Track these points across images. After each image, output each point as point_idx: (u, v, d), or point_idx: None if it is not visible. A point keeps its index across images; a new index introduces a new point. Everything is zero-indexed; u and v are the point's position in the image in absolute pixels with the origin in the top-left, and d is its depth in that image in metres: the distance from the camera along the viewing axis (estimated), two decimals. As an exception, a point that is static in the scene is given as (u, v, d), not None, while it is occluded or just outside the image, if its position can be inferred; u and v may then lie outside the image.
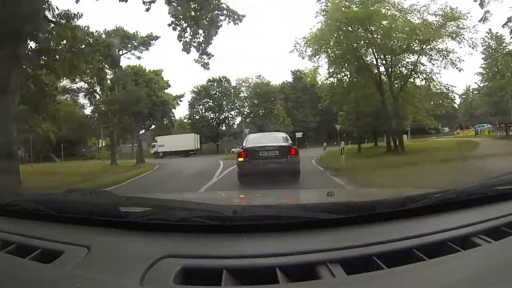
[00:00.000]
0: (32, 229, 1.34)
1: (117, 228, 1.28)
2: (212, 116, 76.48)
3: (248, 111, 77.37)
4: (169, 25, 17.51)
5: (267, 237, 1.18)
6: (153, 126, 70.59)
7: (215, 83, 75.38)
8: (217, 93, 75.42)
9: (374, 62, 26.95)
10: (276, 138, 13.15)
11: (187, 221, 1.23)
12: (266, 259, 1.04)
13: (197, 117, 75.05)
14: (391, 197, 1.38)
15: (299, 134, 54.92)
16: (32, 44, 15.56)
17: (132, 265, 1.02)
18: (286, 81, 79.88)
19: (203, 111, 75.89)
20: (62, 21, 16.07)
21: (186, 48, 18.00)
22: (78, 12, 16.39)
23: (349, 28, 25.09)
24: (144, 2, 16.91)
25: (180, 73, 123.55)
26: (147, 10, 16.97)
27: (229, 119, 78.14)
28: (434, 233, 1.17)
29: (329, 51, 26.65)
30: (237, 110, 77.66)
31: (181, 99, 75.47)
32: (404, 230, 1.20)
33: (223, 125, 77.44)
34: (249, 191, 5.09)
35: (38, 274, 1.03)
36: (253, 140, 12.93)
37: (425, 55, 25.11)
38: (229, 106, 76.47)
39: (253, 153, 11.52)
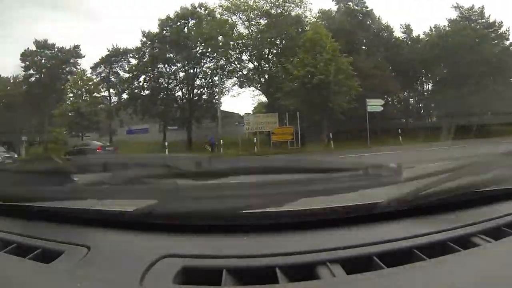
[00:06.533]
0: (32, 229, 1.34)
1: (117, 228, 1.28)
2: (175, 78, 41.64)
3: (248, 58, 40.74)
4: None
5: (267, 237, 1.18)
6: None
7: (182, 18, 41.40)
8: (188, 32, 40.72)
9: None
10: None
11: (187, 221, 1.23)
12: (266, 259, 1.04)
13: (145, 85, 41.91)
14: (391, 197, 1.38)
15: (374, 103, 28.38)
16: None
17: (132, 264, 1.02)
18: (329, 9, 42.33)
19: (158, 72, 41.70)
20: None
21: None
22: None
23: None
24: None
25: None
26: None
27: (207, 85, 42.64)
28: (434, 233, 1.18)
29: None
30: (226, 64, 40.78)
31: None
32: (404, 230, 1.20)
33: (202, 96, 42.43)
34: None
35: (38, 274, 1.03)
36: None
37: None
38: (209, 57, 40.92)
39: None
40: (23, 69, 49.33)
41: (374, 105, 28.98)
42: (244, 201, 1.20)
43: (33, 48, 49.08)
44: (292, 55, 32.19)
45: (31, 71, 49.65)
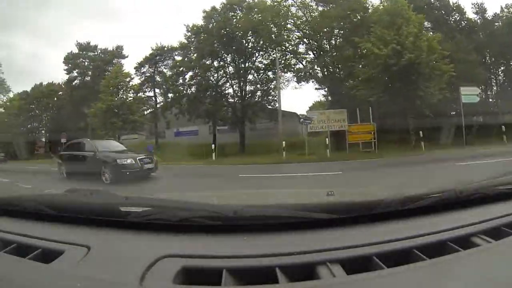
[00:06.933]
0: (32, 229, 1.35)
1: (117, 228, 1.29)
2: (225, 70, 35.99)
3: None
4: None
5: (267, 237, 1.18)
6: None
7: (229, 8, 36.07)
8: (237, 23, 34.54)
9: None
10: None
11: (187, 221, 1.24)
12: (266, 259, 1.04)
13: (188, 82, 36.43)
14: (391, 197, 1.37)
15: (470, 92, 22.28)
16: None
17: (132, 265, 1.02)
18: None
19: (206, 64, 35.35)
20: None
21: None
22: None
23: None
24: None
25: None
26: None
27: (261, 81, 36.42)
28: (434, 233, 1.17)
29: None
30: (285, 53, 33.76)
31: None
32: (404, 230, 1.19)
33: (256, 93, 36.33)
34: (249, 191, 5.32)
35: (38, 274, 1.04)
36: None
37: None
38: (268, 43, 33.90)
39: None
40: (65, 72, 49.66)
41: (470, 94, 22.14)
42: (243, 201, 1.20)
43: (76, 51, 49.28)
44: (364, 34, 25.30)
45: (75, 74, 49.94)
